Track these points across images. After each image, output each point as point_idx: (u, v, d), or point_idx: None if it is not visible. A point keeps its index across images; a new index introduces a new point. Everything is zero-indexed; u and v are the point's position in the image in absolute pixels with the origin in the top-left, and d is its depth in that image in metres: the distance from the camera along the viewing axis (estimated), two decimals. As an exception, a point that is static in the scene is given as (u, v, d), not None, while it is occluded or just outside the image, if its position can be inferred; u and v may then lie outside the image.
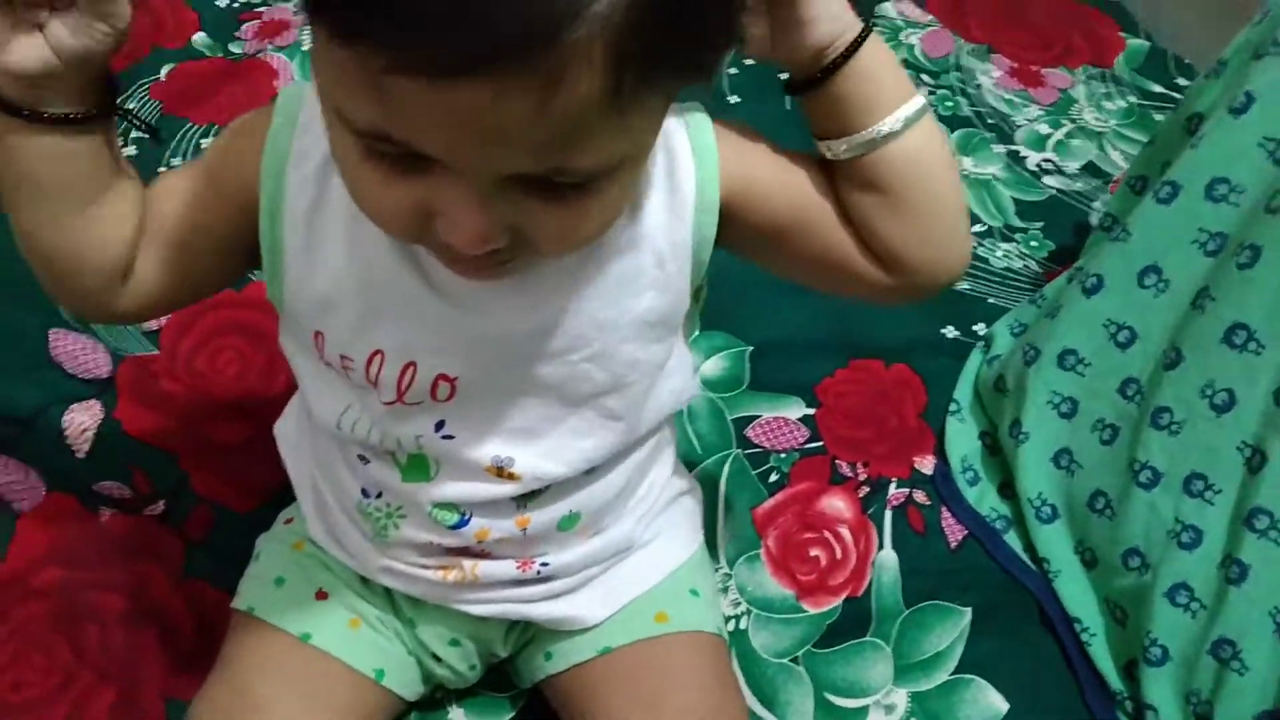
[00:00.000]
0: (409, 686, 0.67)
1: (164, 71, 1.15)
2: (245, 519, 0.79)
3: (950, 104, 1.25)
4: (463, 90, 0.36)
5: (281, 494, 0.78)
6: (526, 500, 0.60)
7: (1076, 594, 0.80)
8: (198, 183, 0.55)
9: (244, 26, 1.22)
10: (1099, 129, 1.24)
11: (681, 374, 0.62)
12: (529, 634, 0.69)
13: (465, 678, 0.69)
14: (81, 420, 0.84)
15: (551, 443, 0.58)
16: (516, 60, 0.35)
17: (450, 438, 0.57)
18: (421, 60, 0.35)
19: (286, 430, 0.69)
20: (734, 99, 1.22)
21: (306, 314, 0.56)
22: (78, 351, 0.88)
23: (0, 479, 0.80)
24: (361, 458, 0.60)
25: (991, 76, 1.30)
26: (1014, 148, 1.20)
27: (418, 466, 0.59)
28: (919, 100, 0.53)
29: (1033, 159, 1.19)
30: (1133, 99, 1.29)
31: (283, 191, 0.52)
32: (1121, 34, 1.38)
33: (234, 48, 1.19)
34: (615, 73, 0.37)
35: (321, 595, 0.66)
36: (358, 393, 0.57)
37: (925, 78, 1.28)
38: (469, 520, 0.60)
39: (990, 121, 1.23)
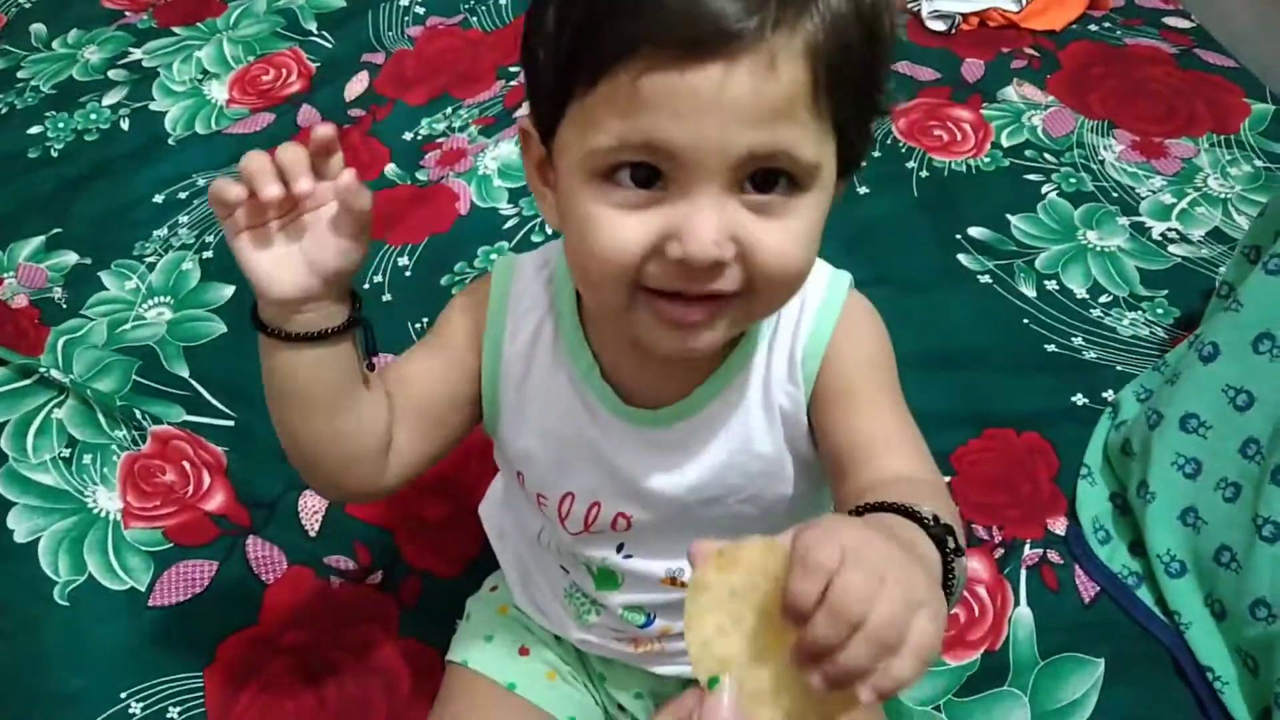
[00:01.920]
0: (595, 731, 0.78)
1: (362, 200, 1.33)
2: (449, 585, 0.92)
3: (1074, 180, 1.31)
4: (699, 73, 0.47)
5: (479, 561, 0.91)
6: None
7: (1208, 644, 0.84)
8: (435, 358, 0.66)
9: (426, 155, 1.40)
10: (1223, 195, 1.28)
11: (822, 496, 0.70)
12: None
13: (644, 727, 0.79)
14: (312, 504, 0.99)
15: None
16: (740, 46, 0.47)
17: (630, 557, 0.69)
18: (672, 51, 0.47)
19: (490, 513, 0.81)
20: (863, 190, 1.32)
21: (513, 458, 0.68)
22: (307, 446, 1.04)
23: (252, 555, 0.96)
24: (562, 567, 0.72)
25: (1114, 151, 1.36)
26: (1138, 219, 1.26)
27: (607, 578, 0.71)
28: (963, 563, 0.50)
29: (1157, 229, 1.24)
30: (1259, 163, 1.33)
31: (499, 362, 0.65)
32: (1246, 99, 1.42)
33: (420, 175, 1.37)
34: (813, 69, 0.48)
35: (524, 652, 0.78)
36: (550, 523, 0.69)
37: (1048, 156, 1.35)
38: (654, 620, 0.72)
39: (1114, 195, 1.29)
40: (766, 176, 0.51)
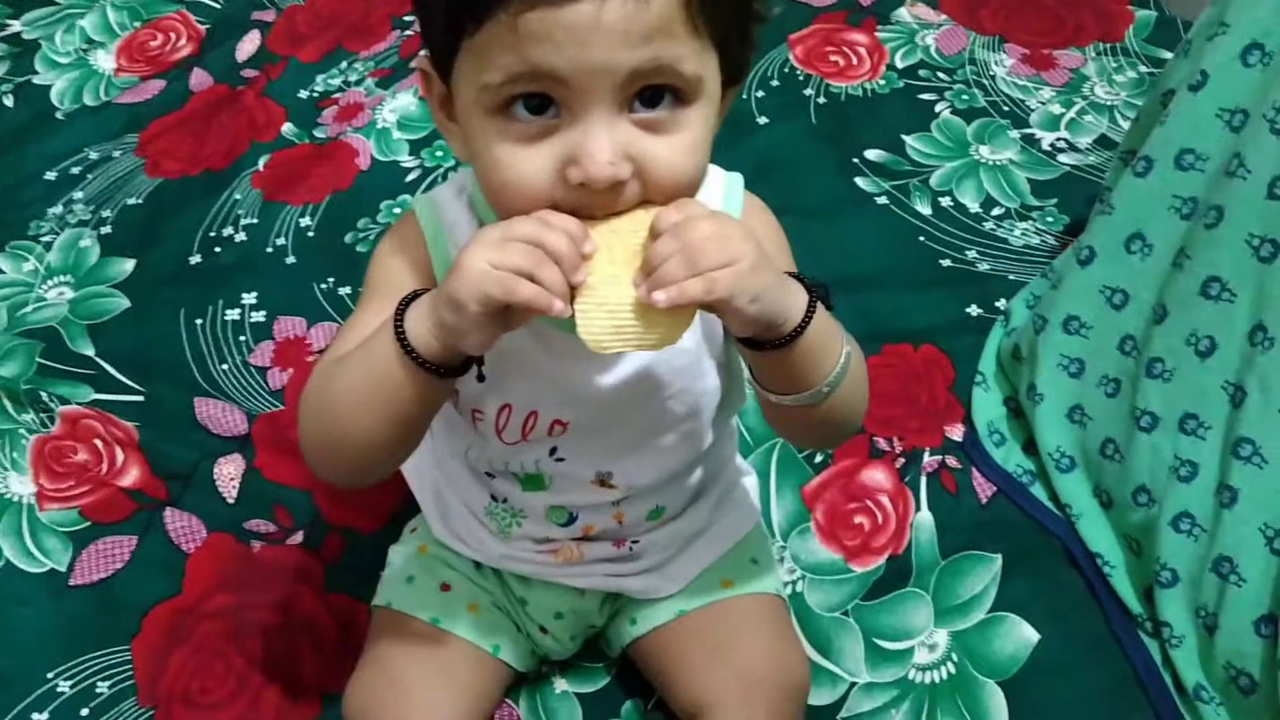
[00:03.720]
0: (520, 659, 0.80)
1: (261, 162, 1.32)
2: (371, 539, 0.93)
3: (966, 97, 1.34)
4: (574, 9, 0.50)
5: (399, 512, 0.92)
6: (622, 501, 0.74)
7: (1097, 533, 0.89)
8: (385, 312, 0.62)
9: (324, 113, 1.38)
10: (1110, 102, 1.32)
11: (739, 389, 0.75)
12: (618, 605, 0.81)
13: (567, 648, 0.82)
14: (228, 471, 1.00)
15: (642, 458, 0.72)
16: None
17: (562, 460, 0.71)
18: None
19: None
20: (763, 119, 1.33)
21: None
22: (218, 415, 1.04)
23: (171, 526, 0.96)
24: (488, 474, 0.74)
25: (1005, 65, 1.38)
26: (1028, 131, 1.29)
27: (534, 481, 0.73)
28: (846, 350, 0.62)
29: (1046, 139, 1.28)
30: (1143, 69, 1.36)
31: None
32: (1130, 7, 1.45)
33: (318, 133, 1.36)
34: None
35: (445, 587, 0.80)
36: (480, 437, 0.70)
37: (941, 75, 1.37)
38: (577, 518, 0.75)
39: (1005, 109, 1.32)
40: (652, 94, 0.54)
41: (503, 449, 0.70)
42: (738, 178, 0.70)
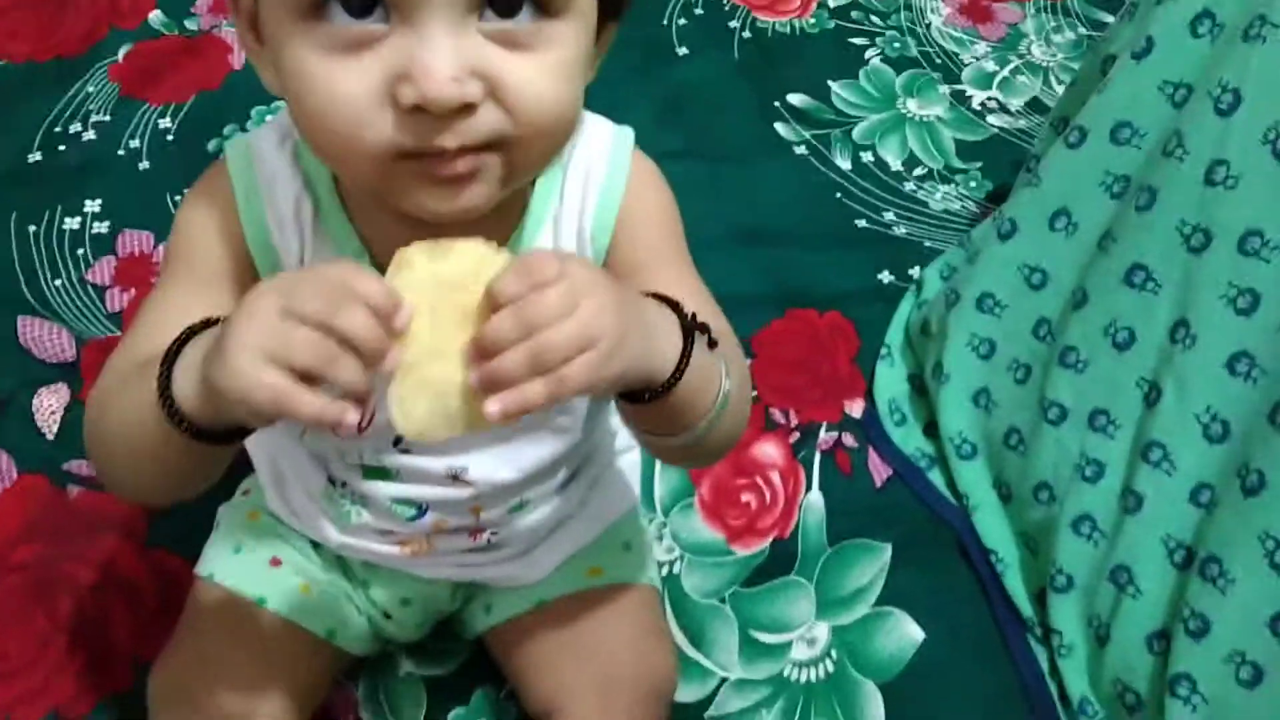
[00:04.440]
0: (359, 643, 0.72)
1: (121, 53, 1.18)
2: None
3: (898, 45, 1.26)
4: None
5: (233, 465, 0.82)
6: (479, 498, 0.64)
7: (993, 527, 0.84)
8: (200, 296, 0.54)
9: (198, 2, 1.24)
10: (1045, 63, 1.25)
11: None
12: (472, 590, 0.73)
13: (414, 633, 0.74)
14: (49, 403, 0.88)
15: (504, 453, 0.63)
16: None
17: (407, 451, 0.61)
18: None
19: None
20: (682, 50, 1.23)
21: None
22: (44, 337, 0.92)
23: (-26, 462, 0.85)
24: (321, 462, 0.64)
25: (941, 14, 1.31)
26: (959, 87, 1.22)
27: (378, 472, 0.63)
28: (725, 385, 0.52)
29: (977, 98, 1.21)
30: (1083, 30, 1.30)
31: (274, 257, 0.55)
32: (1075, -38, 1.38)
33: (189, 24, 1.22)
34: None
35: (275, 562, 0.70)
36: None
37: (874, 19, 1.29)
38: (426, 513, 0.65)
39: (938, 61, 1.25)
40: (508, 1, 0.44)
41: (338, 439, 0.60)
42: (627, 134, 0.60)
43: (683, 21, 1.27)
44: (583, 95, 0.49)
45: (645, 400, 0.48)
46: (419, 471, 0.63)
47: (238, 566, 0.70)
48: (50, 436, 0.87)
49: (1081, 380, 0.79)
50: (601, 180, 0.58)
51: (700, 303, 0.58)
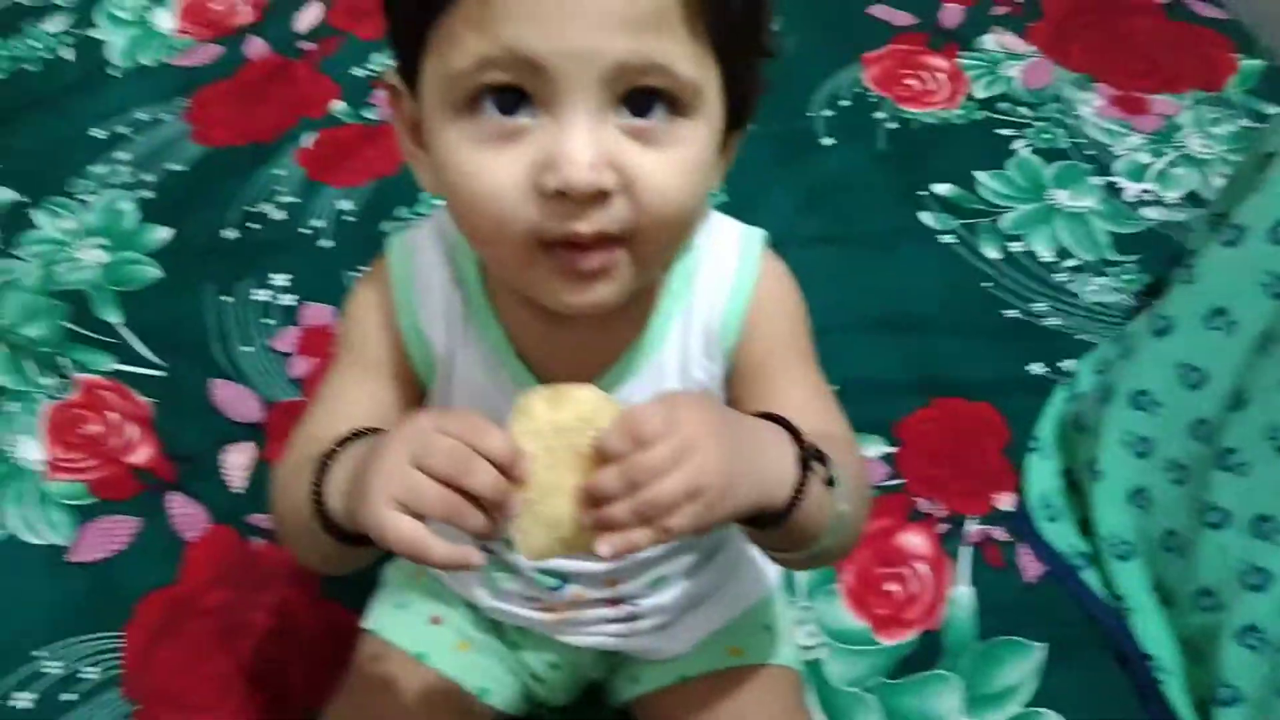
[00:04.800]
0: (511, 703, 0.75)
1: (309, 140, 1.28)
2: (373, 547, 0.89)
3: (1048, 136, 1.26)
4: None
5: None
6: (616, 571, 0.68)
7: (1152, 631, 0.82)
8: (370, 383, 0.61)
9: (377, 94, 1.34)
10: (1204, 156, 1.24)
11: None
12: (618, 660, 0.76)
13: (563, 697, 0.77)
14: (238, 460, 0.96)
15: None
16: None
17: None
18: None
19: None
20: (827, 140, 1.27)
21: None
22: (235, 398, 1.01)
23: (175, 512, 0.93)
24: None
25: (1092, 106, 1.30)
26: (1112, 179, 1.21)
27: None
28: (841, 507, 0.54)
29: (1131, 190, 1.20)
30: (1243, 123, 1.28)
31: (428, 350, 0.61)
32: (1235, 54, 1.36)
33: (367, 114, 1.32)
34: None
35: (436, 620, 0.75)
36: None
37: (1023, 110, 1.30)
38: (566, 585, 0.69)
39: (1089, 153, 1.24)
40: (643, 99, 0.48)
41: None
42: (757, 236, 0.62)
43: (827, 113, 1.30)
44: (707, 195, 0.53)
45: (758, 526, 0.51)
46: None
47: (401, 623, 0.75)
48: (237, 491, 0.95)
49: (1243, 484, 0.77)
50: (730, 281, 0.61)
51: (821, 407, 0.61)
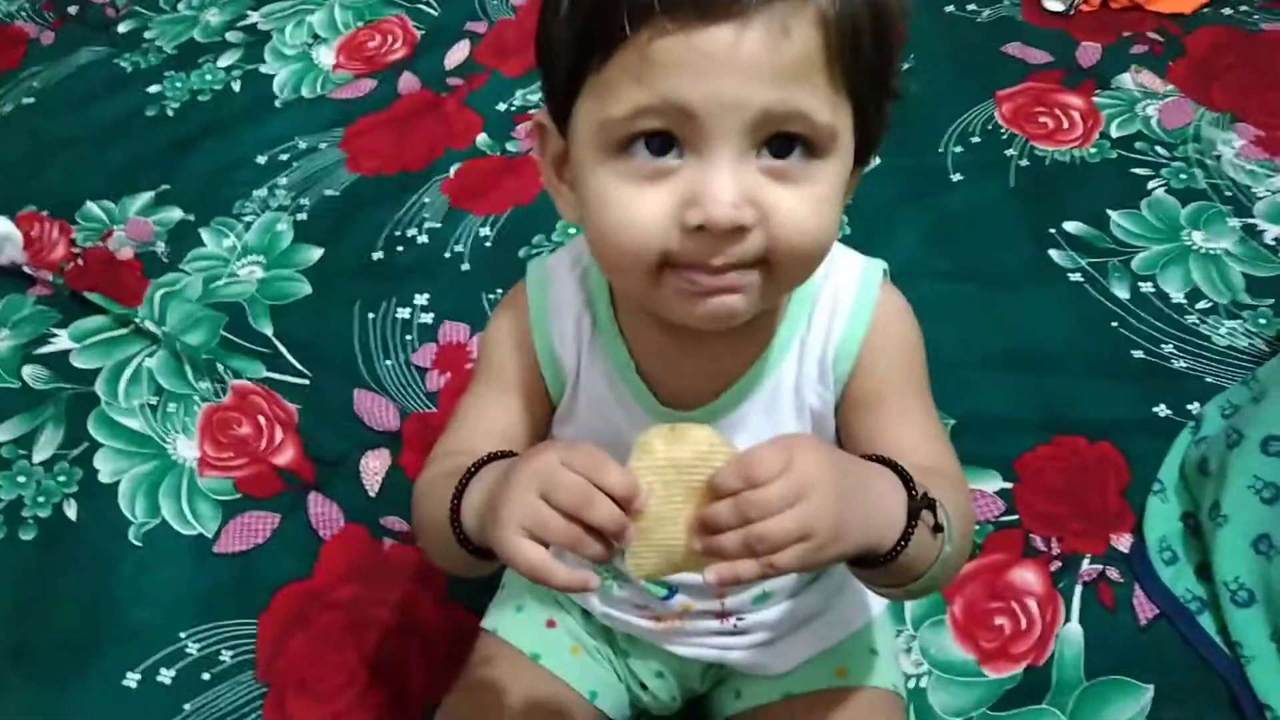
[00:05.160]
0: (617, 709, 0.78)
1: (453, 170, 1.35)
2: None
3: (1184, 176, 1.24)
4: (713, 33, 0.48)
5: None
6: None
7: (1270, 682, 0.79)
8: (507, 399, 0.67)
9: (518, 127, 1.41)
10: (1352, 199, 1.19)
11: None
12: (723, 673, 0.78)
13: (667, 706, 0.80)
14: (374, 465, 1.02)
15: None
16: (752, 8, 0.48)
17: None
18: (688, 12, 0.48)
19: None
20: (957, 176, 1.27)
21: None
22: (374, 408, 1.07)
23: (313, 511, 0.99)
24: None
25: (1233, 146, 1.27)
26: (1251, 221, 1.18)
27: None
28: (945, 550, 0.56)
29: (1271, 232, 1.16)
30: (1398, 166, 1.22)
31: (558, 369, 0.67)
32: (1390, 94, 1.31)
33: (510, 146, 1.39)
34: (825, 36, 0.50)
35: (551, 624, 0.79)
36: None
37: (1160, 150, 1.28)
38: (675, 594, 0.72)
39: (1228, 194, 1.21)
40: (783, 143, 0.51)
41: None
42: (878, 267, 0.65)
43: (958, 149, 1.31)
44: (837, 228, 0.55)
45: (862, 566, 0.54)
46: None
47: (518, 624, 0.79)
48: (372, 494, 1.01)
49: (1378, 535, 0.75)
50: (848, 311, 0.63)
51: (931, 442, 0.63)
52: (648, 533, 0.49)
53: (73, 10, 1.75)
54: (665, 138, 0.51)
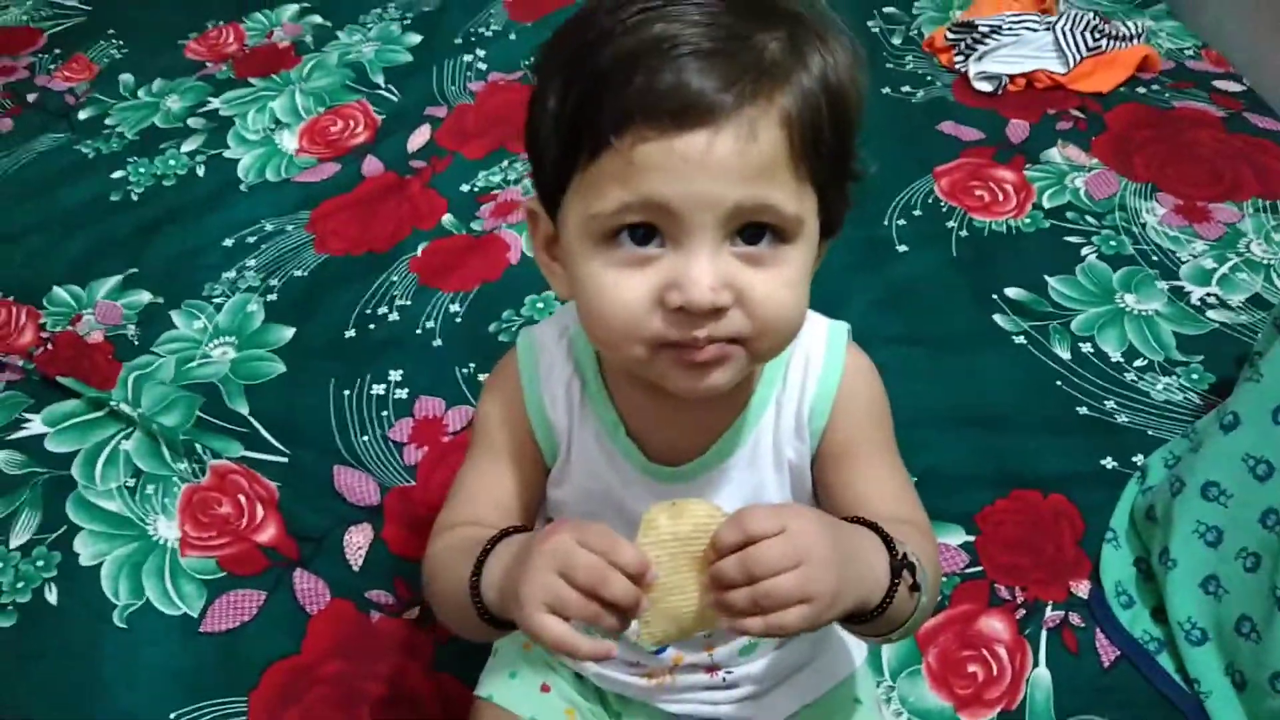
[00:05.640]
0: (612, 770, 0.81)
1: (420, 248, 1.39)
2: (482, 624, 0.96)
3: (1114, 243, 1.33)
4: (688, 140, 0.53)
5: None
6: (711, 635, 0.74)
7: (1227, 715, 0.84)
8: (504, 467, 0.70)
9: (482, 207, 1.46)
10: (1266, 261, 1.29)
11: None
12: (715, 728, 0.81)
13: (661, 765, 0.82)
14: (357, 540, 1.04)
15: None
16: (723, 115, 0.53)
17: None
18: (661, 125, 0.53)
19: None
20: (902, 247, 1.34)
21: (547, 506, 0.73)
22: (354, 483, 1.09)
23: (299, 587, 1.01)
24: None
25: (1156, 215, 1.37)
26: (1178, 283, 1.27)
27: None
28: (922, 601, 0.61)
29: (1196, 294, 1.25)
30: (1304, 229, 1.33)
31: (551, 433, 0.70)
32: (1294, 165, 1.42)
33: (474, 225, 1.43)
34: (789, 135, 0.55)
35: (545, 689, 0.81)
36: None
37: (1089, 219, 1.37)
38: (666, 649, 0.75)
39: (1154, 259, 1.30)
40: (754, 231, 0.56)
41: None
42: (843, 329, 0.70)
43: (902, 222, 1.38)
44: (807, 301, 0.61)
45: (852, 621, 0.59)
46: None
47: (513, 690, 0.81)
48: (356, 569, 1.02)
49: (1315, 571, 0.81)
50: (819, 370, 0.69)
51: (900, 491, 0.69)
52: (657, 602, 0.54)
53: (31, 98, 1.77)
54: (647, 228, 0.56)
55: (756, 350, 0.59)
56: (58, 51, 1.88)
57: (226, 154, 1.59)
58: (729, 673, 0.76)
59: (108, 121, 1.69)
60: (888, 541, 0.59)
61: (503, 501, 0.70)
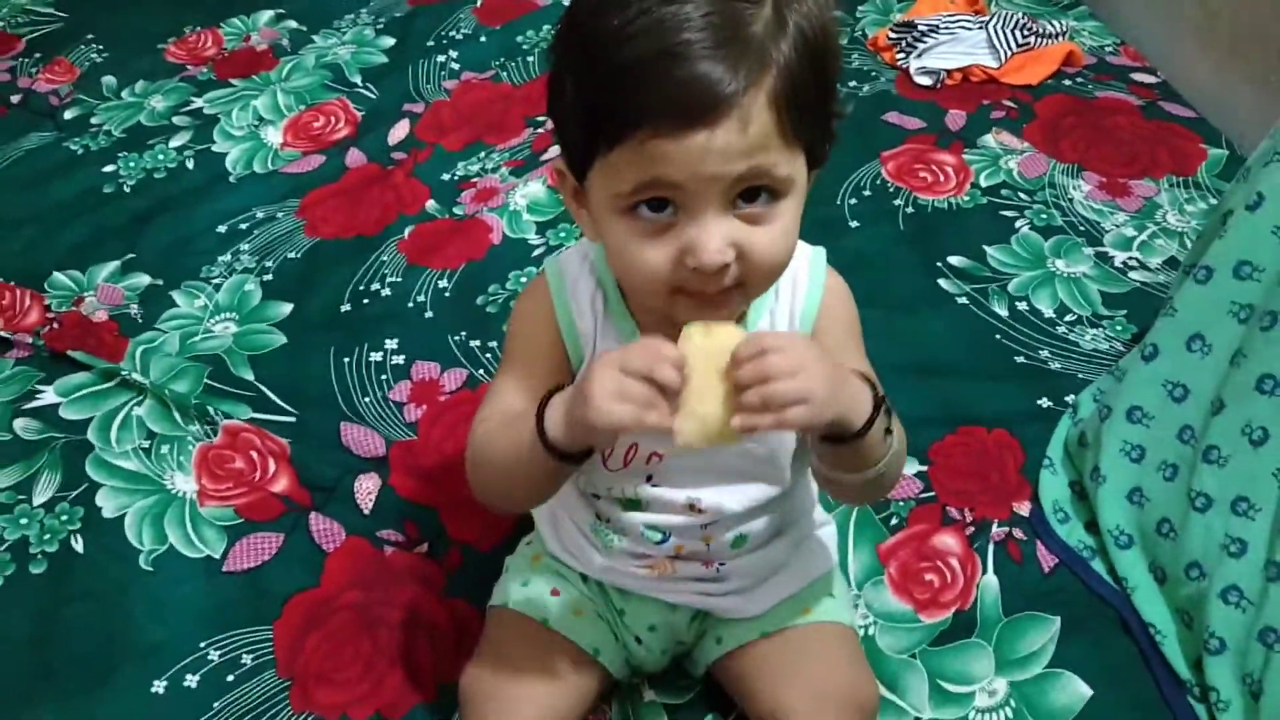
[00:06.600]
0: (616, 665, 0.90)
1: (406, 231, 1.48)
2: (487, 555, 1.05)
3: (1044, 216, 1.46)
4: (692, 135, 0.63)
5: (512, 534, 1.04)
6: (709, 525, 0.85)
7: (1151, 605, 0.96)
8: (535, 378, 0.79)
9: (463, 193, 1.55)
10: (1180, 229, 1.43)
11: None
12: (705, 625, 0.91)
13: (658, 660, 0.92)
14: (367, 487, 1.13)
15: (728, 490, 0.83)
16: (725, 110, 0.62)
17: (657, 485, 0.83)
18: (669, 125, 0.63)
19: None
20: (854, 223, 1.46)
21: None
22: (361, 437, 1.18)
23: (314, 528, 1.09)
24: (595, 495, 0.86)
25: (1082, 191, 1.50)
26: (1102, 249, 1.40)
27: (633, 504, 0.85)
28: (893, 443, 0.73)
29: (1119, 257, 1.39)
30: (1213, 201, 1.47)
31: (578, 340, 0.80)
32: (1203, 145, 1.56)
33: (457, 210, 1.52)
34: (777, 113, 0.64)
35: (555, 593, 0.90)
36: (591, 464, 0.80)
37: (1022, 195, 1.50)
38: (669, 538, 0.85)
39: (1081, 229, 1.44)
40: (752, 192, 0.67)
41: (608, 475, 0.83)
42: (821, 252, 0.82)
43: (853, 201, 1.50)
44: (796, 240, 0.72)
45: (840, 441, 0.69)
46: (664, 502, 0.83)
47: (526, 596, 0.91)
48: (366, 512, 1.11)
49: (1223, 473, 0.93)
50: (805, 287, 0.81)
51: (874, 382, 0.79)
52: (688, 404, 0.64)
53: (15, 99, 1.83)
54: (662, 201, 0.67)
55: (754, 290, 0.72)
56: (38, 55, 1.93)
57: (214, 148, 1.67)
58: (721, 564, 0.87)
59: (94, 120, 1.75)
60: (870, 382, 0.71)
61: (536, 400, 0.78)
